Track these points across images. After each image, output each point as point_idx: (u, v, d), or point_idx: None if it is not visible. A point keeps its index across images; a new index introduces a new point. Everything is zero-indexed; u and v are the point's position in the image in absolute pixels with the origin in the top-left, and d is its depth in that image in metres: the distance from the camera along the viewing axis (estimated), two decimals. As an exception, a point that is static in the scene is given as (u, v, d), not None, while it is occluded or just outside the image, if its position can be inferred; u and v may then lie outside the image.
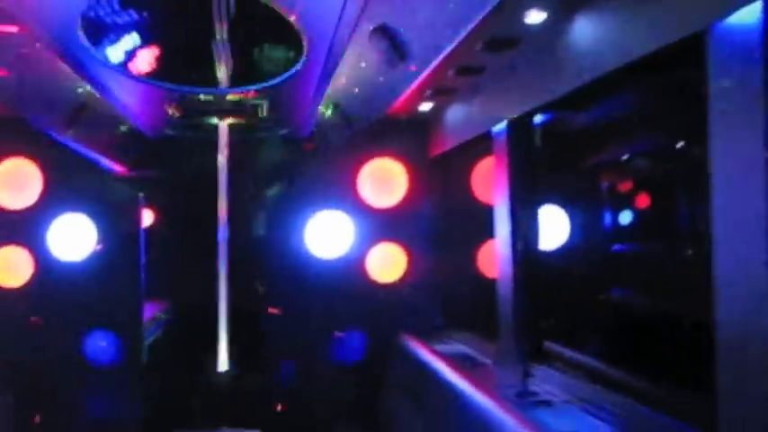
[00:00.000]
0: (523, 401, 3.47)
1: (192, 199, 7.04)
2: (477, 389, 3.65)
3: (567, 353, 3.78)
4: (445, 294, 5.81)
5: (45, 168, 5.54)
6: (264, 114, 5.94)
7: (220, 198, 5.86)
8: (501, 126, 4.04)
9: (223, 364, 5.79)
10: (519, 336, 3.94)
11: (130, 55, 4.23)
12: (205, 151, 6.18)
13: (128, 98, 4.88)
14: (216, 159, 5.98)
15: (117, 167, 6.38)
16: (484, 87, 4.28)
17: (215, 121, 6.09)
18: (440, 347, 5.11)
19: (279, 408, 5.91)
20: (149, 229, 7.61)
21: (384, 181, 5.77)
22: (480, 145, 4.99)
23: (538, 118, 3.95)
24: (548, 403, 3.39)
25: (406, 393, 4.96)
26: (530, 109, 3.73)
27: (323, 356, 5.81)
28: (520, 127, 3.93)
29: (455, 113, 5.03)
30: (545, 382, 3.69)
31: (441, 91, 4.61)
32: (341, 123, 5.67)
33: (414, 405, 4.71)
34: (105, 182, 5.77)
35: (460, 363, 4.52)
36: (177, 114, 5.90)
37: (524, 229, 3.96)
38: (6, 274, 5.43)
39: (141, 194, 5.80)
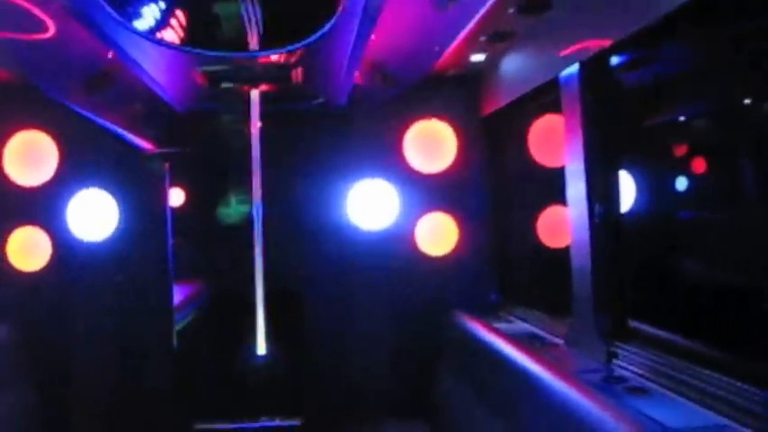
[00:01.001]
0: (612, 388, 2.96)
1: (223, 175, 7.04)
2: (553, 372, 3.14)
3: (656, 331, 3.26)
4: (501, 268, 5.31)
5: (61, 142, 5.11)
6: (298, 80, 5.56)
7: (254, 173, 5.56)
8: (572, 70, 3.50)
9: (261, 347, 5.48)
10: (599, 312, 3.41)
11: (156, 19, 3.89)
12: (236, 124, 5.98)
13: (153, 66, 4.45)
14: (248, 132, 5.70)
15: (142, 143, 5.99)
16: (550, 26, 3.73)
17: (246, 89, 5.74)
18: (500, 326, 4.62)
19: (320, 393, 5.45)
20: (179, 209, 7.29)
21: (431, 145, 5.25)
22: (539, 100, 4.49)
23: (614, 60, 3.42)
24: (642, 391, 2.87)
25: (464, 377, 4.48)
26: (608, 47, 3.20)
27: (368, 337, 5.34)
28: (595, 69, 3.39)
29: (513, 62, 4.49)
30: (632, 365, 3.17)
31: (497, 36, 4.08)
32: (381, 85, 5.23)
33: (473, 390, 4.22)
34: (127, 156, 5.27)
35: (528, 343, 4.02)
36: (206, 83, 5.59)
37: (602, 190, 3.43)
38: (23, 257, 5.03)
39: (167, 168, 5.32)
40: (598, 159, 3.43)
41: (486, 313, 5.03)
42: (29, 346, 4.98)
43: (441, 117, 5.26)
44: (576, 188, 3.55)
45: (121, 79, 4.64)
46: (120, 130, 5.54)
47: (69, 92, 4.71)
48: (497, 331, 4.33)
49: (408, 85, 5.05)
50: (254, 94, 5.85)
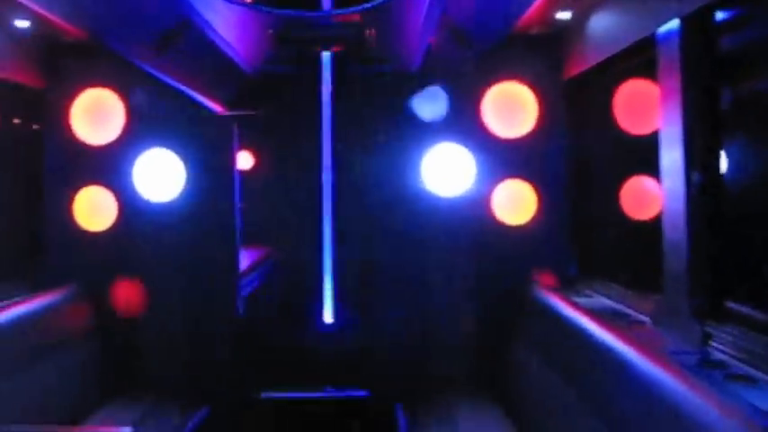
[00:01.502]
0: (711, 373, 2.70)
1: (293, 139, 6.69)
2: (643, 353, 2.90)
3: (757, 313, 2.99)
4: (580, 239, 5.04)
5: (128, 100, 5.02)
6: (371, 43, 5.35)
7: (324, 137, 5.57)
8: (671, 26, 3.21)
9: (327, 315, 5.47)
10: (693, 290, 3.14)
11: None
12: (307, 87, 5.86)
13: (224, 26, 4.33)
14: (319, 96, 5.66)
15: (211, 104, 5.89)
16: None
17: (318, 51, 5.70)
18: (581, 301, 4.38)
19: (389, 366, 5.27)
20: (247, 172, 7.47)
21: (510, 108, 5.00)
22: (628, 61, 4.20)
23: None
24: (746, 378, 2.61)
25: (542, 353, 4.26)
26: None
27: (442, 308, 5.15)
28: (698, 25, 3.10)
29: (602, 19, 4.20)
30: (732, 348, 2.91)
31: (588, -12, 3.81)
32: (458, 47, 4.98)
33: (552, 367, 3.99)
34: (195, 117, 5.13)
35: (612, 320, 3.77)
36: (277, 45, 5.44)
37: (701, 158, 3.14)
38: (89, 217, 4.97)
39: (235, 130, 5.18)
40: (698, 124, 3.14)
41: (565, 286, 4.82)
42: (95, 305, 4.95)
43: (521, 79, 5.00)
44: (671, 155, 3.27)
45: (191, 39, 4.47)
46: (188, 91, 5.43)
47: (138, 51, 4.58)
48: (578, 306, 4.07)
49: (487, 46, 4.78)
50: (326, 57, 5.81)
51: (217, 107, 6.30)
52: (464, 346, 5.10)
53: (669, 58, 3.25)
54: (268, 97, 6.44)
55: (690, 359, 2.87)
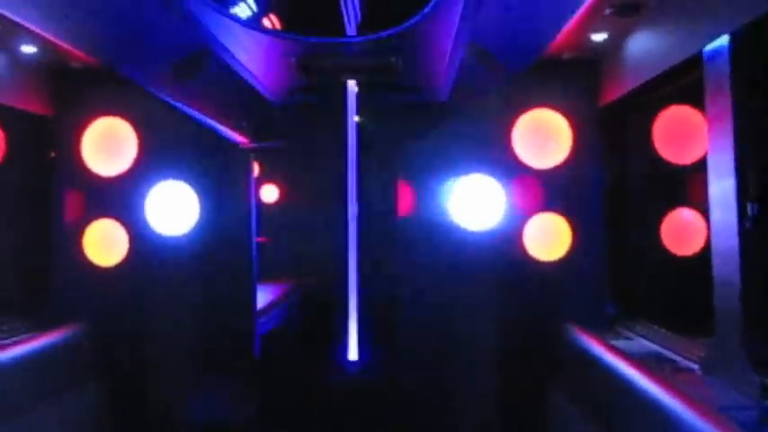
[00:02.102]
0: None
1: (318, 171, 6.73)
2: (693, 407, 2.58)
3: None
4: (619, 276, 4.71)
5: (141, 130, 4.81)
6: (398, 71, 5.14)
7: (349, 169, 5.36)
8: (719, 43, 2.92)
9: (352, 353, 5.18)
10: (750, 335, 2.82)
11: (249, 2, 3.79)
12: (333, 118, 5.70)
13: (245, 54, 4.21)
14: (345, 127, 5.49)
15: (231, 134, 5.73)
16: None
17: (343, 80, 5.54)
18: (620, 344, 4.05)
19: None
20: (273, 206, 7.40)
21: (543, 137, 4.71)
22: (668, 86, 3.95)
23: None
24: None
25: (579, 401, 3.95)
26: (763, 12, 2.62)
27: (470, 349, 4.82)
28: (749, 41, 2.81)
29: (641, 40, 3.90)
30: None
31: (625, 7, 3.53)
32: (488, 73, 4.74)
33: (590, 419, 3.68)
34: (211, 147, 4.91)
35: (655, 367, 3.44)
36: (301, 74, 5.26)
37: (756, 187, 2.83)
38: (100, 251, 4.75)
39: (253, 161, 4.96)
40: (751, 150, 2.83)
41: (602, 328, 4.48)
42: (103, 345, 4.72)
43: (554, 107, 4.72)
44: (721, 185, 2.96)
45: (211, 67, 4.37)
46: (206, 120, 5.28)
47: (155, 79, 4.47)
48: (618, 351, 3.75)
49: (518, 71, 4.56)
50: (352, 86, 5.65)
51: (239, 138, 6.17)
52: (495, 391, 4.76)
53: (717, 79, 2.96)
54: (292, 128, 6.41)
55: (747, 415, 2.55)
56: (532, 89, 4.72)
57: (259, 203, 7.27)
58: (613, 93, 4.45)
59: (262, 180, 7.45)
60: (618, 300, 4.68)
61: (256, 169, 7.38)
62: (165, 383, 4.78)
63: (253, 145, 7.26)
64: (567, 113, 4.70)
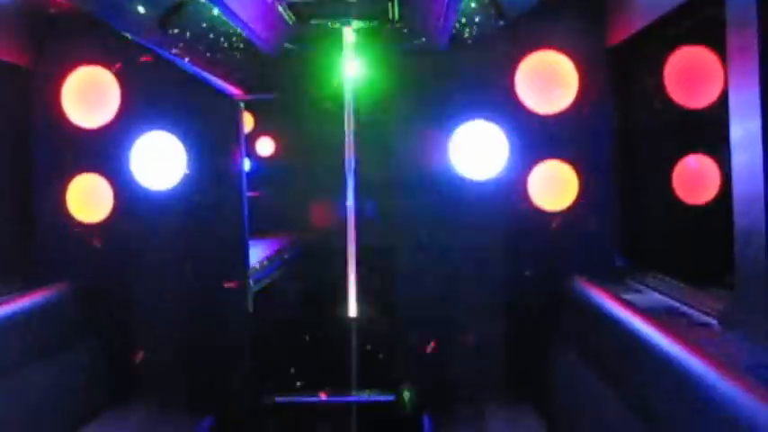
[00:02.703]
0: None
1: (314, 122, 6.57)
2: (714, 365, 2.38)
3: None
4: (628, 226, 4.50)
5: (124, 79, 4.55)
6: (395, 16, 5.11)
7: (347, 119, 5.27)
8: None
9: (351, 309, 5.12)
10: (774, 286, 2.61)
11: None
12: (328, 67, 5.56)
13: (240, 7, 4.03)
14: (341, 76, 5.35)
15: (226, 87, 5.56)
16: None
17: (338, 26, 5.42)
18: (629, 297, 3.84)
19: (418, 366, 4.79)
20: (269, 159, 7.35)
21: (547, 80, 4.45)
22: (681, 24, 3.68)
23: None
24: None
25: (585, 357, 3.75)
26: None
27: (472, 304, 4.63)
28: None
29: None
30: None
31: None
32: (490, 15, 4.50)
33: (597, 374, 3.49)
34: (198, 96, 4.66)
35: (669, 321, 3.25)
36: (294, 20, 5.21)
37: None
38: (83, 207, 4.54)
39: (242, 106, 4.72)
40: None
41: (611, 280, 4.27)
42: (90, 305, 4.53)
43: (558, 48, 4.45)
44: (744, 127, 2.73)
45: (199, 14, 4.22)
46: (195, 70, 5.07)
47: (139, 26, 4.19)
48: (628, 304, 3.55)
49: (520, 11, 4.34)
50: (348, 33, 5.49)
51: (232, 90, 6.01)
52: (498, 347, 4.58)
53: (741, 10, 2.71)
54: (287, 78, 6.13)
55: (770, 374, 2.35)
56: (535, 30, 4.46)
57: (255, 156, 7.32)
58: (622, 32, 4.19)
59: (257, 133, 7.36)
60: (627, 251, 4.48)
61: (251, 122, 7.34)
62: (155, 342, 4.61)
63: (246, 97, 7.14)
64: (572, 54, 4.43)
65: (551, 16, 4.41)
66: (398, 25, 5.41)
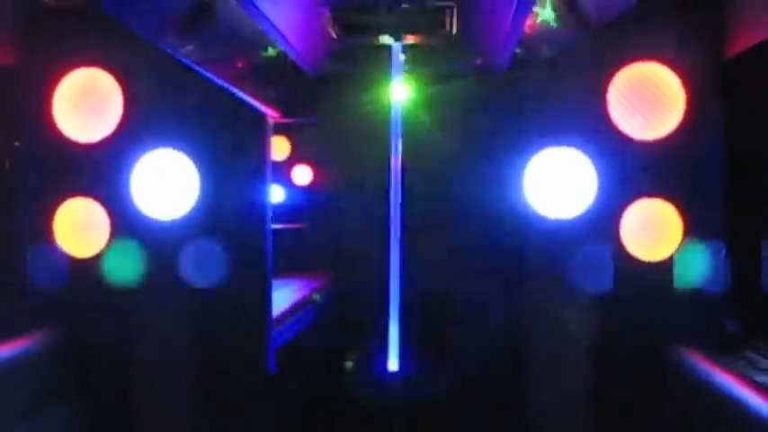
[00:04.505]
0: None
1: (357, 150, 6.29)
2: None
3: None
4: (744, 282, 3.66)
5: (128, 83, 3.76)
6: (452, 31, 4.79)
7: (393, 146, 5.06)
8: None
9: (393, 362, 4.88)
10: None
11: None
12: (375, 88, 5.43)
13: (271, 7, 3.64)
14: (388, 99, 5.16)
15: (261, 108, 5.01)
16: None
17: (388, 41, 5.14)
18: (752, 374, 3.04)
19: None
20: (306, 188, 6.96)
21: (648, 99, 3.60)
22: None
23: None
24: None
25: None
26: None
27: (544, 370, 3.76)
28: None
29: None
30: None
31: None
32: (569, 26, 3.89)
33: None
34: (217, 108, 3.90)
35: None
36: (338, 35, 4.92)
37: None
38: (74, 240, 3.76)
39: (270, 126, 3.97)
40: None
41: (723, 350, 3.42)
42: (81, 356, 3.77)
43: (661, 59, 3.61)
44: None
45: (228, 18, 3.87)
46: (219, 81, 4.43)
47: (153, 25, 3.69)
48: (752, 383, 2.77)
49: (609, 17, 3.62)
50: (397, 51, 5.23)
51: (267, 111, 5.65)
52: (579, 426, 3.71)
53: None
54: (329, 100, 6.06)
55: None
56: (631, 38, 3.64)
57: (291, 185, 6.96)
58: (744, 40, 3.43)
59: (293, 160, 7.01)
60: (743, 313, 3.62)
61: (287, 147, 6.85)
62: (157, 404, 3.80)
63: (283, 119, 6.69)
64: (678, 67, 3.59)
65: (651, 20, 3.61)
66: (455, 41, 5.00)
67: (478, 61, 5.35)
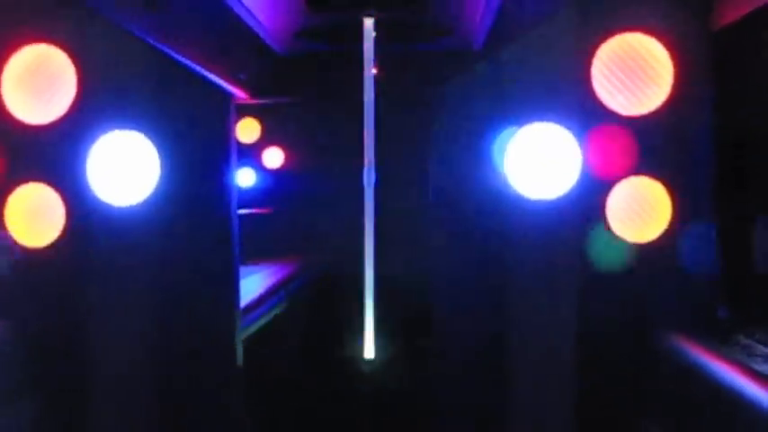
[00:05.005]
0: None
1: (328, 131, 6.35)
2: None
3: None
4: (735, 264, 3.52)
5: (82, 61, 3.47)
6: (426, 5, 4.80)
7: (367, 127, 4.98)
8: None
9: (368, 350, 4.82)
10: None
11: None
12: (346, 68, 5.32)
13: None
14: (361, 78, 5.03)
15: (225, 87, 4.80)
16: None
17: (359, 17, 5.06)
18: (745, 360, 2.89)
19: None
20: (276, 172, 6.84)
21: (634, 71, 3.40)
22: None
23: None
24: None
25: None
26: None
27: (527, 358, 3.55)
28: None
29: None
30: None
31: None
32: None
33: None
34: (178, 85, 3.65)
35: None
36: (306, 10, 4.83)
37: None
38: (28, 228, 3.50)
39: (233, 101, 3.73)
40: None
41: (713, 335, 3.25)
42: (34, 354, 3.52)
43: (647, 29, 3.40)
44: None
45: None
46: (182, 59, 4.22)
47: (117, 4, 3.58)
48: (747, 370, 2.61)
49: None
50: (370, 27, 5.10)
51: (238, 93, 5.53)
52: (563, 418, 3.53)
53: None
54: (300, 80, 6.06)
55: None
56: (616, 6, 3.43)
57: (262, 169, 6.85)
58: (736, 9, 3.27)
59: (264, 143, 6.88)
60: (733, 296, 3.47)
61: (257, 130, 6.73)
62: (116, 402, 3.57)
63: (252, 100, 6.58)
64: (666, 38, 3.38)
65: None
66: (430, 16, 4.94)
67: (453, 36, 5.24)
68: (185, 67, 3.95)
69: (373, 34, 5.12)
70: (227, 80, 5.38)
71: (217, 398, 3.67)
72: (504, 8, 4.09)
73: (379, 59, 5.25)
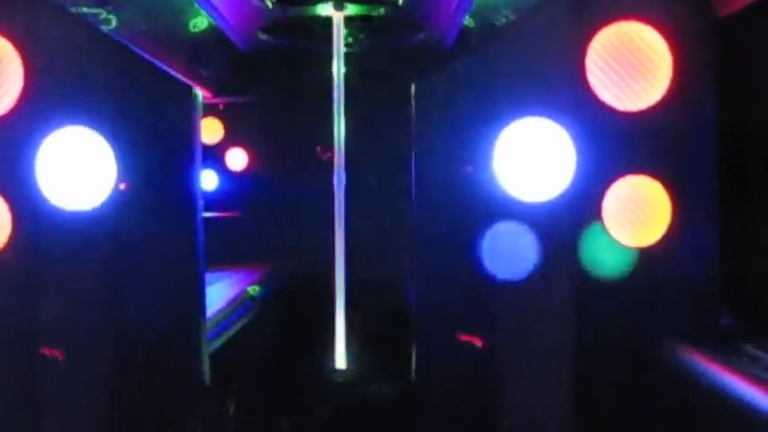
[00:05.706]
0: None
1: (298, 131, 6.17)
2: None
3: None
4: (738, 269, 3.31)
5: (29, 52, 3.12)
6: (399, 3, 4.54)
7: (336, 125, 4.80)
8: None
9: (340, 360, 4.60)
10: None
11: None
12: (314, 65, 5.18)
13: None
14: (329, 75, 4.90)
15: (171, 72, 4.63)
16: None
17: (328, 12, 4.86)
18: (752, 370, 2.66)
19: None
20: (241, 174, 6.66)
21: (630, 63, 3.20)
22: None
23: None
24: None
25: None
26: None
27: (517, 369, 3.34)
28: None
29: None
30: None
31: None
32: None
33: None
34: (136, 78, 3.38)
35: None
36: (276, 4, 4.60)
37: None
38: (-32, 235, 3.20)
39: (199, 97, 3.48)
40: None
41: (715, 343, 3.03)
42: None
43: (644, 18, 3.20)
44: None
45: None
46: (141, 53, 3.99)
47: None
48: (754, 379, 2.48)
49: None
50: (339, 23, 4.94)
51: (205, 94, 5.32)
52: (556, 424, 3.32)
53: None
54: (264, 78, 5.93)
55: None
56: (611, -5, 3.26)
57: (225, 171, 6.63)
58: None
59: (227, 143, 6.69)
60: (737, 303, 3.29)
61: (220, 130, 6.58)
62: (70, 421, 3.25)
63: (214, 99, 6.47)
64: (664, 28, 3.19)
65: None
66: (402, 12, 4.72)
67: (425, 33, 5.09)
68: (144, 59, 3.67)
69: (343, 30, 4.98)
70: (186, 76, 5.16)
71: (183, 415, 3.41)
72: (477, 5, 3.94)
73: (349, 56, 5.09)
